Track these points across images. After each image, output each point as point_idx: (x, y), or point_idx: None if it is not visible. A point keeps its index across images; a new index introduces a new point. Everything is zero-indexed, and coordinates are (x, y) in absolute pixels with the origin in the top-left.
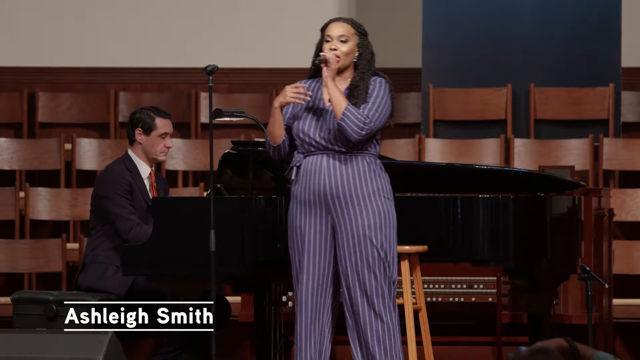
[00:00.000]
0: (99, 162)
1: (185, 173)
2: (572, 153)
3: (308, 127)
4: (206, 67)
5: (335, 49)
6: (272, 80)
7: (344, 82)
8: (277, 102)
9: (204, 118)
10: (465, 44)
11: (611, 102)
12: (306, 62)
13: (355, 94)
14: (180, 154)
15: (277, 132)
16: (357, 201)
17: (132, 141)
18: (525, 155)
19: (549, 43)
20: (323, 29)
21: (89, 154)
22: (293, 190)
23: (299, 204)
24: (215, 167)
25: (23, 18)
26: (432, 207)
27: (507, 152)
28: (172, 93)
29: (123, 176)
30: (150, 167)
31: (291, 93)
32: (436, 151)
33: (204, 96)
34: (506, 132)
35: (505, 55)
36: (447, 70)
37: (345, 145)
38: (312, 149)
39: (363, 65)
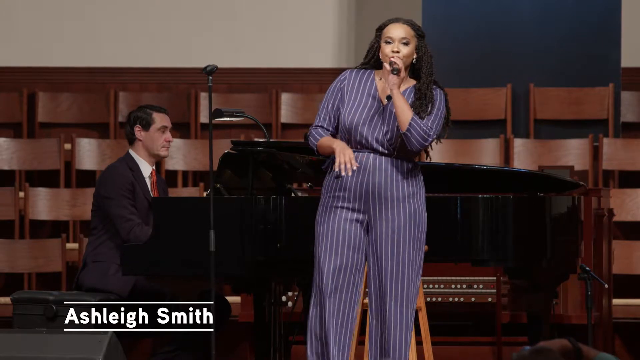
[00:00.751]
0: (98, 162)
1: (185, 173)
2: (572, 153)
3: (362, 126)
4: (206, 67)
5: (397, 52)
6: (272, 80)
7: (401, 84)
8: (336, 145)
9: (204, 118)
10: (465, 44)
11: (611, 102)
12: (306, 62)
13: (419, 104)
14: (179, 154)
15: (324, 154)
16: (396, 202)
17: (132, 140)
18: (524, 155)
19: (549, 43)
20: (380, 29)
21: (89, 154)
22: (330, 185)
23: (335, 199)
24: (215, 167)
25: (23, 18)
26: (431, 207)
27: (506, 152)
28: (172, 93)
29: (125, 175)
30: (152, 166)
31: (343, 159)
32: (436, 151)
33: (203, 96)
34: (506, 132)
35: (505, 55)
36: (447, 70)
37: (397, 149)
38: (359, 147)
39: (426, 71)
